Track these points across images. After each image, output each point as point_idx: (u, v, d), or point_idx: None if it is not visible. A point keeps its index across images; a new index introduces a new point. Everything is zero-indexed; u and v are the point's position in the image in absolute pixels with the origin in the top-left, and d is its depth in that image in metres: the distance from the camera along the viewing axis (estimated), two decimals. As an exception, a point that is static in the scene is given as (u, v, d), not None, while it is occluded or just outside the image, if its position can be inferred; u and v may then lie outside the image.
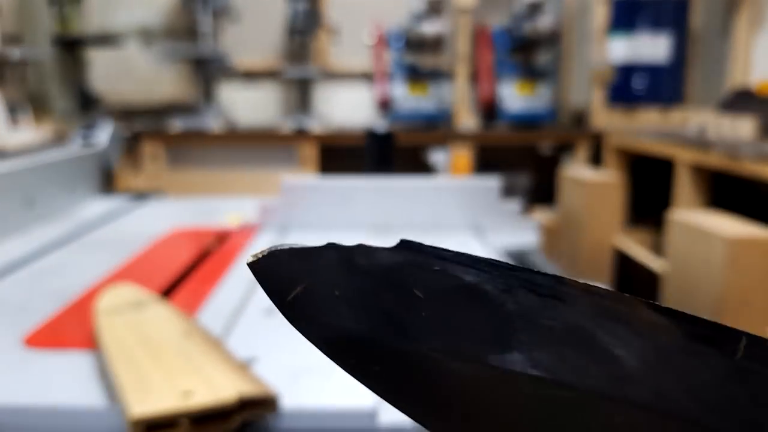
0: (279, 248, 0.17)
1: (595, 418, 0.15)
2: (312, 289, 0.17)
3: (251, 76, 3.01)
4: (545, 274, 0.16)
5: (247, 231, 1.04)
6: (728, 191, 1.98)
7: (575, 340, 0.15)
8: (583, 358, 0.15)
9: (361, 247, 0.17)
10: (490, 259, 0.16)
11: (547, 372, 0.15)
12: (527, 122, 2.88)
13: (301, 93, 2.97)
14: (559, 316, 0.15)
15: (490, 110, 2.94)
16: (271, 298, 0.18)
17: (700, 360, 0.14)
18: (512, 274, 0.16)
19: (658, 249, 2.07)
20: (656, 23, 2.57)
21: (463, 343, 0.16)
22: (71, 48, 2.78)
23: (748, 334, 0.14)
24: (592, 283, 0.16)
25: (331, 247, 0.17)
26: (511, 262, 0.16)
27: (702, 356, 0.14)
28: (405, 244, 0.17)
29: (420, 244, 0.17)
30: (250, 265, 0.17)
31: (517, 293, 0.16)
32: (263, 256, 0.17)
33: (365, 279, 0.17)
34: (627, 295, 0.15)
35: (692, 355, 0.14)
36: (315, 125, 2.72)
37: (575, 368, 0.15)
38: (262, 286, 0.18)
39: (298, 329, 0.17)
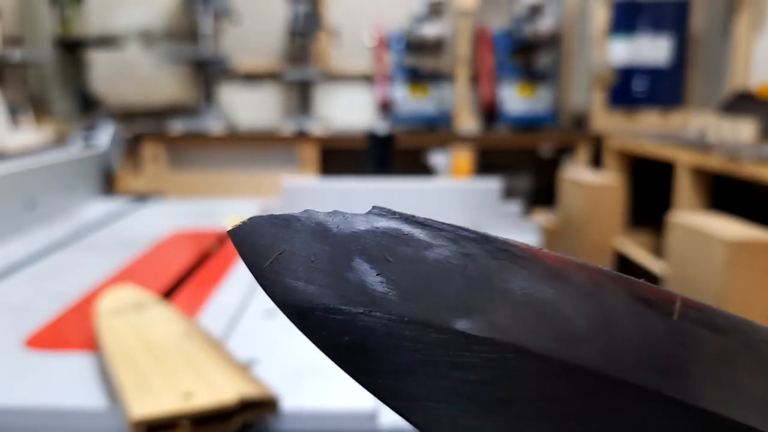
0: (258, 216, 0.17)
1: (550, 381, 0.15)
2: (288, 255, 0.17)
3: (252, 77, 3.01)
4: (503, 240, 0.17)
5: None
6: (728, 193, 1.98)
7: (529, 302, 0.16)
8: (537, 320, 0.15)
9: (336, 213, 0.17)
10: (453, 225, 0.17)
11: (505, 335, 0.15)
12: (527, 124, 2.88)
13: (301, 95, 2.97)
14: (514, 279, 0.16)
15: (490, 112, 2.94)
16: (248, 266, 0.17)
17: (643, 321, 0.15)
18: (472, 239, 0.17)
19: (658, 251, 2.07)
20: (656, 25, 2.58)
21: (429, 308, 0.16)
22: (72, 50, 2.78)
23: (682, 296, 0.15)
24: (542, 248, 0.17)
25: (309, 213, 0.17)
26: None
27: (644, 317, 0.15)
28: (377, 210, 0.17)
29: (391, 211, 0.17)
30: (230, 233, 0.18)
31: (476, 257, 0.16)
32: (243, 223, 0.17)
33: (339, 244, 0.17)
34: (575, 259, 0.16)
35: (636, 316, 0.15)
36: (315, 127, 2.72)
37: (530, 331, 0.15)
38: (240, 254, 0.18)
39: (271, 297, 0.17)
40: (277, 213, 0.17)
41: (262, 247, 0.17)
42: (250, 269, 0.17)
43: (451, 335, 0.16)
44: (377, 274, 0.16)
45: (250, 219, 0.17)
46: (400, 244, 0.17)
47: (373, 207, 0.17)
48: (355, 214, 0.17)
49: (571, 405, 0.15)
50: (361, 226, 0.17)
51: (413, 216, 0.17)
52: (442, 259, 0.17)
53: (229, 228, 0.18)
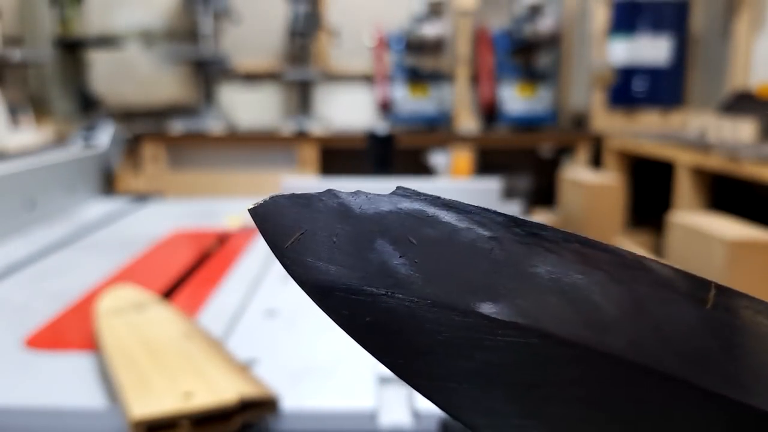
0: (278, 195, 0.17)
1: (575, 367, 0.15)
2: (309, 235, 0.17)
3: (252, 77, 3.01)
4: (531, 223, 0.16)
5: (247, 232, 1.04)
6: (728, 193, 1.98)
7: (557, 287, 0.15)
8: (565, 306, 0.15)
9: (359, 193, 0.17)
10: (480, 207, 0.17)
11: (530, 320, 0.15)
12: (527, 124, 2.88)
13: (301, 95, 2.97)
14: (542, 264, 0.16)
15: (490, 112, 2.94)
16: (269, 245, 0.17)
17: (674, 309, 0.15)
18: (500, 222, 0.16)
19: (658, 251, 2.07)
20: (656, 25, 2.58)
21: (453, 291, 0.16)
22: (72, 50, 2.78)
23: (717, 284, 0.15)
24: (572, 232, 0.16)
25: (331, 193, 0.17)
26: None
27: (675, 305, 0.15)
28: (401, 191, 0.17)
29: (415, 192, 0.17)
30: (251, 212, 0.17)
31: (503, 241, 0.16)
32: (264, 202, 0.17)
33: (361, 225, 0.17)
34: (605, 243, 0.16)
35: (666, 304, 0.15)
36: (315, 127, 2.72)
37: (556, 316, 0.15)
38: (262, 233, 0.17)
39: (293, 276, 0.17)
40: (299, 193, 0.17)
41: (284, 226, 0.17)
42: (271, 248, 0.17)
43: (474, 318, 0.15)
44: (400, 256, 0.16)
45: (271, 198, 0.17)
46: (424, 225, 0.17)
47: (397, 187, 0.17)
48: (379, 195, 0.17)
49: (596, 392, 0.15)
50: (385, 207, 0.17)
51: (438, 197, 0.17)
52: (467, 242, 0.16)
53: (251, 207, 0.17)
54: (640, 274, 0.15)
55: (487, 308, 0.15)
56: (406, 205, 0.17)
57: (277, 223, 0.17)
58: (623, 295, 0.15)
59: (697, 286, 0.15)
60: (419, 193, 0.17)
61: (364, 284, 0.16)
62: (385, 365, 0.17)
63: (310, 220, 0.17)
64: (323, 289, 0.17)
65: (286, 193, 0.17)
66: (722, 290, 0.15)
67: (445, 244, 0.16)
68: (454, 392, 0.16)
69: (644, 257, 0.15)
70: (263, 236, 0.17)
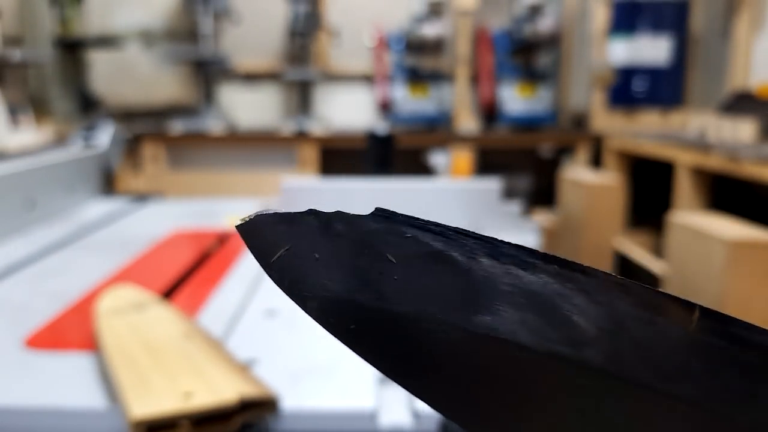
0: (264, 212, 0.18)
1: (553, 380, 0.16)
2: (294, 251, 0.18)
3: (252, 77, 3.01)
4: (509, 244, 0.17)
5: (247, 233, 1.04)
6: (728, 193, 1.98)
7: (535, 306, 0.16)
8: (542, 322, 0.16)
9: (338, 214, 0.18)
10: (458, 228, 0.17)
11: (507, 334, 0.16)
12: (527, 124, 2.88)
13: (301, 95, 2.97)
14: (521, 283, 0.16)
15: (490, 112, 2.94)
16: (257, 259, 0.19)
17: (655, 329, 0.15)
18: (478, 243, 0.17)
19: (658, 251, 2.07)
20: (656, 25, 2.58)
21: (431, 306, 0.17)
22: (72, 50, 2.78)
23: (701, 307, 0.15)
24: (552, 254, 0.16)
25: (312, 213, 0.18)
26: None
27: (657, 326, 0.15)
28: (379, 212, 0.18)
29: (393, 212, 0.18)
30: (238, 228, 0.19)
31: (481, 260, 0.17)
32: (250, 219, 0.18)
33: (342, 243, 0.18)
34: (586, 266, 0.16)
35: (648, 324, 0.15)
36: (315, 127, 2.72)
37: (534, 331, 0.16)
38: (249, 248, 0.19)
39: (282, 289, 0.18)
40: (282, 211, 0.18)
41: (269, 242, 0.18)
42: (258, 262, 0.19)
43: (452, 329, 0.16)
44: (380, 273, 0.17)
45: (256, 215, 0.18)
46: (402, 244, 0.17)
47: (376, 208, 0.18)
48: (358, 215, 0.18)
49: (573, 403, 0.16)
50: (364, 226, 0.18)
51: (416, 218, 0.18)
52: (444, 261, 0.17)
53: (237, 224, 0.19)
54: (621, 295, 0.15)
55: (462, 321, 0.16)
56: (385, 224, 0.18)
57: (262, 239, 0.18)
58: (603, 315, 0.15)
59: (682, 308, 0.15)
60: (397, 213, 0.18)
61: (345, 296, 0.18)
62: (372, 366, 0.18)
63: (294, 237, 0.18)
64: (309, 300, 0.18)
65: (269, 211, 0.18)
66: (707, 313, 0.15)
67: (423, 262, 0.17)
68: (437, 390, 0.17)
69: (627, 280, 0.16)
70: (250, 251, 0.19)
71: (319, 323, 0.18)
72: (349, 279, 0.18)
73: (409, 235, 0.17)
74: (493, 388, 0.16)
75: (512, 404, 0.16)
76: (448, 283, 0.17)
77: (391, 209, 0.18)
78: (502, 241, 0.17)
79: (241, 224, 0.19)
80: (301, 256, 0.18)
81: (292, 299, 0.18)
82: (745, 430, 0.14)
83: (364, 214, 0.18)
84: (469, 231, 0.17)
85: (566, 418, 0.16)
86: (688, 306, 0.15)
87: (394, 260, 0.17)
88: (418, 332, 0.17)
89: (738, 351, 0.15)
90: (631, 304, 0.15)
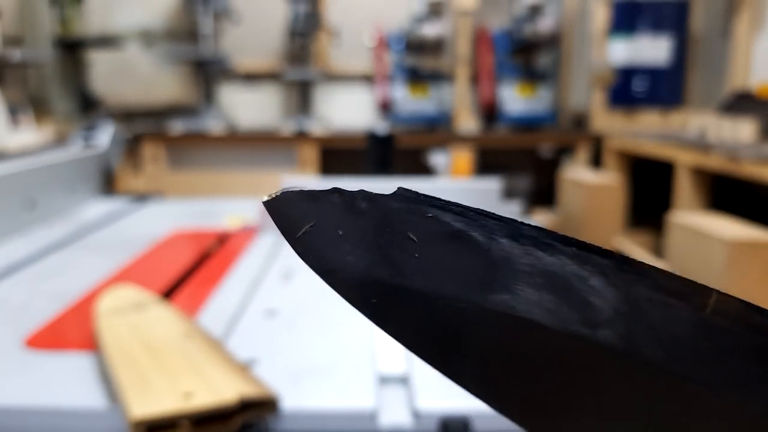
0: (290, 189, 0.19)
1: (569, 359, 0.16)
2: (318, 227, 0.19)
3: (252, 77, 3.01)
4: (529, 225, 0.17)
5: (247, 232, 1.04)
6: (728, 193, 1.98)
7: (552, 286, 0.16)
8: (559, 302, 0.16)
9: (362, 192, 0.18)
10: (479, 209, 0.18)
11: (524, 313, 0.16)
12: (527, 124, 2.88)
13: (301, 95, 2.97)
14: (539, 264, 0.16)
15: (490, 112, 2.94)
16: (283, 234, 0.19)
17: (670, 312, 0.15)
18: (497, 224, 0.17)
19: (658, 251, 2.07)
20: (656, 25, 2.58)
21: (450, 284, 0.17)
22: (72, 50, 2.78)
23: (718, 291, 0.15)
24: (570, 236, 0.17)
25: (336, 191, 0.19)
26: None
27: (672, 308, 0.15)
28: (402, 191, 0.18)
29: (416, 192, 0.18)
30: (265, 203, 0.19)
31: (501, 241, 0.17)
32: (276, 195, 0.19)
33: (365, 221, 0.18)
34: (604, 248, 0.16)
35: (663, 307, 0.15)
36: (315, 127, 2.72)
37: (551, 311, 0.16)
38: (275, 223, 0.19)
39: (306, 262, 0.19)
40: (307, 189, 0.19)
41: (295, 218, 0.19)
42: (285, 237, 0.19)
43: (469, 306, 0.17)
44: (401, 251, 0.18)
45: (282, 193, 0.19)
46: (424, 223, 0.18)
47: (399, 188, 0.18)
48: (381, 194, 0.18)
49: (587, 382, 0.16)
50: (387, 205, 0.18)
51: (438, 198, 0.18)
52: (464, 241, 0.17)
53: (264, 200, 0.19)
54: (638, 278, 0.16)
55: (480, 299, 0.17)
56: (407, 204, 0.18)
57: (288, 215, 0.19)
58: (619, 297, 0.16)
59: (698, 291, 0.15)
60: (419, 193, 0.18)
61: (367, 271, 0.18)
62: (392, 338, 0.19)
63: (318, 213, 0.19)
64: (331, 274, 0.19)
65: (295, 188, 0.19)
66: (724, 297, 0.15)
67: (443, 241, 0.17)
68: (457, 367, 0.18)
69: (644, 263, 0.16)
70: (277, 226, 0.19)
71: (342, 297, 0.19)
72: (371, 256, 0.18)
73: (430, 215, 0.18)
74: (509, 364, 0.17)
75: (528, 381, 0.17)
76: (467, 261, 0.17)
77: (417, 191, 0.18)
78: (521, 222, 0.17)
79: (267, 200, 0.19)
80: (325, 232, 0.19)
81: (316, 273, 0.19)
82: (758, 414, 0.14)
83: (386, 193, 0.18)
84: (488, 212, 0.17)
85: (581, 397, 0.16)
86: (706, 290, 0.15)
87: (415, 239, 0.18)
88: (437, 309, 0.17)
89: (753, 336, 0.15)
90: (647, 286, 0.15)
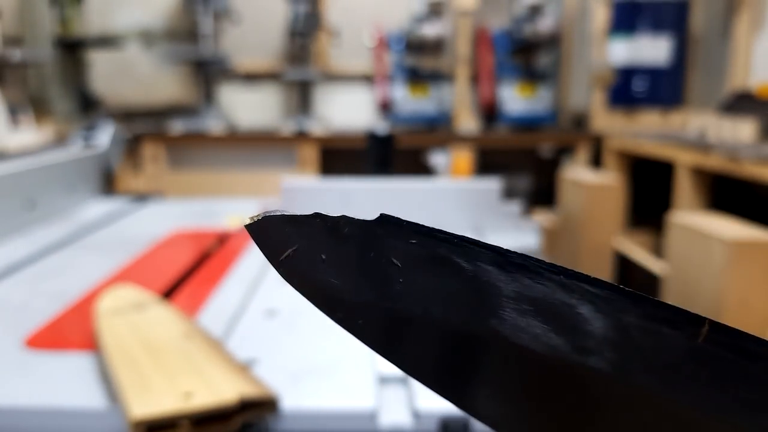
0: (272, 213, 0.19)
1: (557, 384, 0.16)
2: (302, 251, 0.19)
3: (252, 77, 3.01)
4: (515, 253, 0.17)
5: (247, 233, 1.04)
6: (728, 193, 1.98)
7: (539, 312, 0.16)
8: (547, 329, 0.16)
9: (344, 218, 0.18)
10: (463, 236, 0.17)
11: (511, 338, 0.16)
12: (527, 124, 2.88)
13: (301, 95, 2.97)
14: (526, 291, 0.16)
15: (490, 112, 2.94)
16: (266, 257, 0.20)
17: (662, 340, 0.15)
18: (483, 251, 0.17)
19: (658, 251, 2.07)
20: (656, 25, 2.58)
21: (436, 308, 0.17)
22: (72, 50, 2.78)
23: (711, 321, 0.15)
24: (558, 264, 0.16)
25: (317, 216, 0.19)
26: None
27: (664, 337, 0.15)
28: (384, 218, 0.18)
29: (398, 219, 0.18)
30: (247, 227, 0.19)
31: (487, 267, 0.17)
32: (259, 219, 0.19)
33: (348, 246, 0.18)
34: (593, 277, 0.16)
35: (654, 335, 0.15)
36: (315, 127, 2.72)
37: (538, 337, 0.16)
38: (258, 246, 0.20)
39: (291, 285, 0.19)
40: (289, 213, 0.19)
41: (278, 241, 0.19)
42: (268, 259, 0.20)
43: (454, 332, 0.17)
44: (384, 276, 0.18)
45: (264, 216, 0.19)
46: (407, 249, 0.18)
47: (381, 214, 0.18)
48: (363, 219, 0.18)
49: (578, 407, 0.16)
50: (370, 230, 0.18)
51: (419, 225, 0.18)
52: (449, 267, 0.17)
53: (246, 223, 0.19)
54: (628, 306, 0.15)
55: (466, 324, 0.17)
56: (390, 230, 0.18)
57: (271, 238, 0.19)
58: (609, 325, 0.15)
59: (690, 320, 0.15)
60: (401, 219, 0.18)
61: (350, 294, 0.18)
62: (382, 357, 0.19)
63: (301, 238, 0.19)
64: (316, 297, 0.19)
65: (276, 212, 0.19)
66: (717, 327, 0.15)
67: (427, 267, 0.17)
68: (445, 388, 0.18)
69: (634, 292, 0.16)
70: (260, 249, 0.20)
71: (328, 316, 0.19)
72: (355, 280, 0.18)
73: (414, 241, 0.18)
74: (496, 387, 0.17)
75: (516, 404, 0.17)
76: (452, 287, 0.17)
77: (392, 209, 0.18)
78: (507, 250, 0.17)
79: (249, 224, 0.19)
80: (307, 256, 0.19)
81: (302, 294, 0.19)
82: None
83: (369, 219, 0.18)
84: (474, 239, 0.17)
85: (571, 421, 0.16)
86: (698, 319, 0.15)
87: (399, 264, 0.18)
88: (423, 332, 0.17)
89: (747, 364, 0.14)
90: (638, 315, 0.15)
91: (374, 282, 0.18)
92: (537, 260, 0.16)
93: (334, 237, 0.18)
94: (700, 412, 0.15)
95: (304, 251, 0.19)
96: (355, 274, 0.18)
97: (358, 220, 0.18)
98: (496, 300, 0.16)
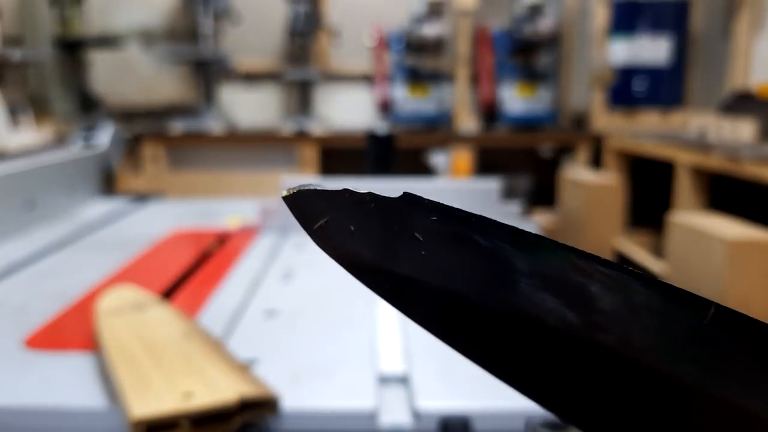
0: (306, 187, 0.21)
1: (565, 358, 0.17)
2: (332, 222, 0.21)
3: (252, 77, 3.01)
4: (530, 233, 0.18)
5: (247, 232, 1.04)
6: (728, 193, 1.98)
7: (551, 288, 0.17)
8: (560, 302, 0.17)
9: (370, 194, 0.20)
10: (481, 215, 0.19)
11: (524, 311, 0.17)
12: (527, 124, 2.88)
13: (301, 95, 2.97)
14: (540, 268, 0.17)
15: (490, 112, 2.94)
16: (302, 226, 0.21)
17: (669, 319, 0.16)
18: (500, 230, 0.18)
19: (658, 251, 2.07)
20: (656, 25, 2.58)
21: (454, 281, 0.18)
22: (72, 49, 2.78)
23: (717, 304, 0.15)
24: (570, 245, 0.17)
25: (347, 192, 0.20)
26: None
27: (671, 316, 0.16)
28: (407, 196, 0.19)
29: (421, 198, 0.19)
30: (285, 198, 0.21)
31: (501, 244, 0.18)
32: (294, 192, 0.21)
33: (373, 220, 0.20)
34: (603, 257, 0.17)
35: (661, 314, 0.16)
36: (315, 127, 2.72)
37: (551, 311, 0.17)
38: (294, 216, 0.21)
39: (324, 251, 0.21)
40: (320, 187, 0.21)
41: (311, 213, 0.21)
42: (304, 229, 0.21)
43: (471, 303, 0.18)
44: (407, 248, 0.19)
45: (299, 189, 0.21)
46: (428, 225, 0.19)
47: (404, 193, 0.20)
48: (388, 196, 0.20)
49: (585, 381, 0.17)
50: (393, 207, 0.19)
51: (440, 203, 0.19)
52: (467, 244, 0.18)
53: (283, 194, 0.21)
54: (637, 286, 0.16)
55: (482, 297, 0.18)
56: (412, 207, 0.19)
57: (305, 210, 0.21)
58: (618, 303, 0.16)
59: (697, 302, 0.16)
60: (423, 198, 0.19)
61: (378, 260, 0.20)
62: (406, 316, 0.20)
63: (332, 210, 0.20)
64: (348, 262, 0.21)
65: (310, 186, 0.21)
66: (722, 309, 0.15)
67: (447, 242, 0.19)
68: (465, 350, 0.19)
69: (644, 273, 0.16)
70: (296, 219, 0.21)
71: (358, 279, 0.21)
72: (381, 251, 0.20)
73: (434, 218, 0.19)
74: (511, 358, 0.18)
75: (528, 374, 0.18)
76: (469, 262, 0.18)
77: (422, 196, 0.19)
78: (522, 230, 0.18)
79: (286, 195, 0.21)
80: (338, 227, 0.20)
81: (334, 260, 0.21)
82: (753, 417, 0.15)
83: (393, 197, 0.20)
84: (491, 219, 0.18)
85: (579, 394, 0.17)
86: (704, 302, 0.16)
87: (420, 238, 0.19)
88: (444, 300, 0.19)
89: (752, 344, 0.15)
90: (647, 295, 0.16)
91: (399, 253, 0.19)
92: (551, 240, 0.17)
93: (361, 211, 0.20)
94: (704, 389, 0.15)
95: (335, 222, 0.20)
96: (380, 246, 0.20)
97: (382, 196, 0.20)
98: (512, 275, 0.17)
